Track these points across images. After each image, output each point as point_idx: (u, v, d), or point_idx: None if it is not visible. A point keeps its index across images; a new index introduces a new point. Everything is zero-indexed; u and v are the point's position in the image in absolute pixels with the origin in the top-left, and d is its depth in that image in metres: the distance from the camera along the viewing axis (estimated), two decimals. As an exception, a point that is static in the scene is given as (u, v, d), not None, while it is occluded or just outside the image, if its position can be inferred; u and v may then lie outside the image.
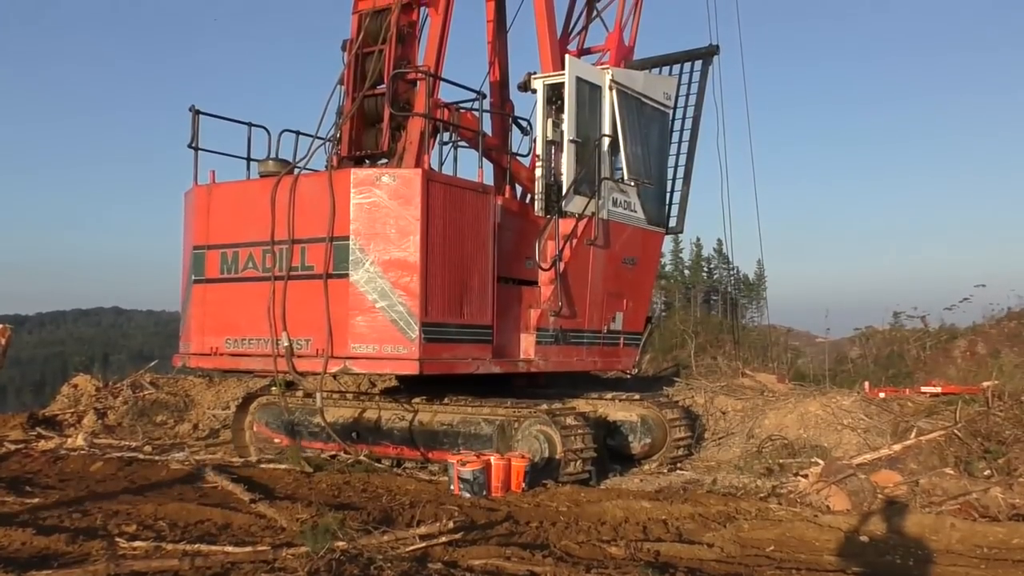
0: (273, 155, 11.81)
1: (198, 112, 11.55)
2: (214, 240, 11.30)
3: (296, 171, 11.12)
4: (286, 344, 10.48)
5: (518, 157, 13.47)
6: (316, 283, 10.36)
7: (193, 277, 11.54)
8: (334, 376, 11.47)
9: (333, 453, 11.71)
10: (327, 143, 12.08)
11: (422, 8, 12.39)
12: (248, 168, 12.00)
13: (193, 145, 11.54)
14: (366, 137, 12.16)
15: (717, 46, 15.51)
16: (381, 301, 10.12)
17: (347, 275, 10.22)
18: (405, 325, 10.08)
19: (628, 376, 15.06)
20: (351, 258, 10.23)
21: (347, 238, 10.25)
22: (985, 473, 10.06)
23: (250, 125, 12.02)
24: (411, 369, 10.12)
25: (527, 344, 11.78)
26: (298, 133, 12.27)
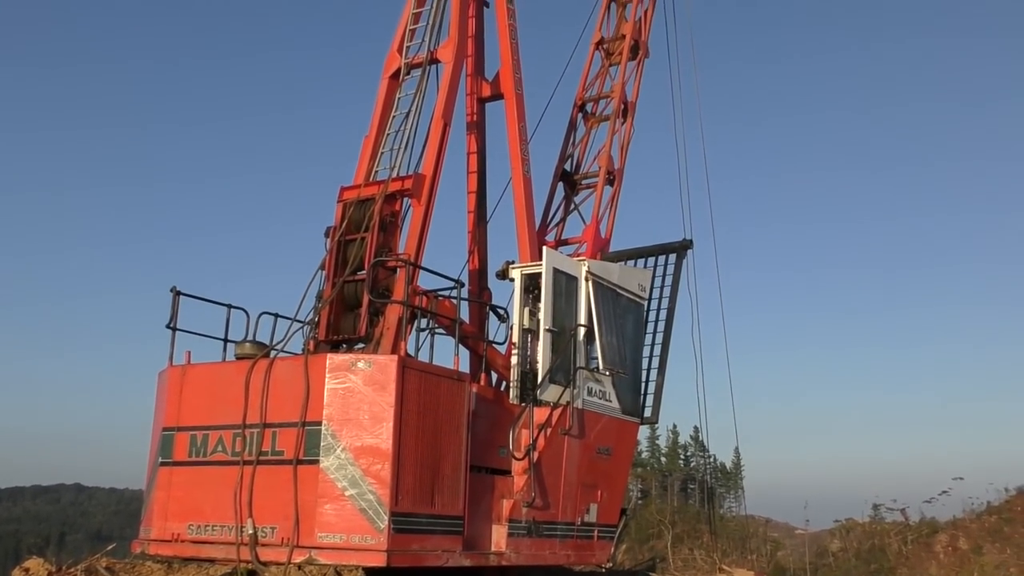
0: (251, 337, 11.86)
1: (179, 293, 11.65)
2: (185, 422, 11.15)
3: (272, 354, 11.13)
4: (251, 532, 10.17)
5: (494, 345, 13.58)
6: (285, 469, 10.16)
7: (160, 459, 11.31)
8: (299, 567, 11.07)
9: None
10: (305, 326, 12.15)
11: (405, 198, 12.76)
12: (225, 350, 12.01)
13: (171, 325, 11.57)
14: (344, 322, 12.25)
15: (691, 240, 16.04)
16: (351, 489, 9.91)
17: (317, 461, 10.05)
18: (374, 514, 9.83)
19: (603, 570, 14.64)
20: (323, 444, 10.09)
21: (320, 423, 10.15)
22: None
23: (229, 307, 12.12)
24: (378, 561, 9.80)
25: (499, 536, 11.50)
26: (277, 316, 12.38)
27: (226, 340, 12.02)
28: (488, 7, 15.39)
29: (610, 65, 17.22)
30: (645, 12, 17.80)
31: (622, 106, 16.76)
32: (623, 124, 16.82)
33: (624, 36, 17.18)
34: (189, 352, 11.56)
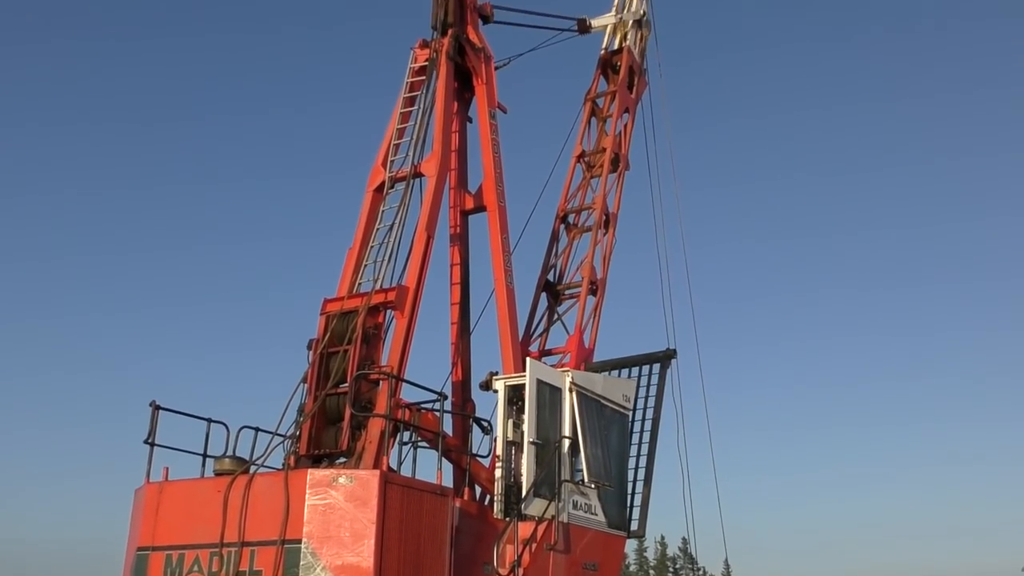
0: (231, 452, 11.65)
1: (158, 407, 11.49)
2: (160, 541, 10.84)
3: (252, 469, 10.93)
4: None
5: (478, 458, 13.39)
6: (263, 589, 9.87)
7: (133, 581, 10.96)
8: None
9: None
10: (286, 441, 11.98)
11: (388, 310, 12.76)
12: (204, 465, 11.78)
13: (149, 441, 11.37)
14: (326, 436, 12.09)
15: (674, 350, 16.03)
16: (330, 610, 9.61)
17: (297, 581, 9.77)
18: (355, 637, 9.51)
19: None
20: (302, 562, 9.83)
21: (299, 541, 9.91)
22: None
23: (209, 421, 11.94)
24: None
25: (484, 657, 11.12)
26: (257, 430, 12.19)
27: (205, 455, 11.82)
28: (471, 122, 15.75)
29: (591, 177, 17.52)
30: (625, 126, 18.23)
31: (604, 217, 16.99)
32: (605, 234, 17.03)
33: (605, 149, 17.54)
34: (167, 468, 11.34)
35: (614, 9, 18.76)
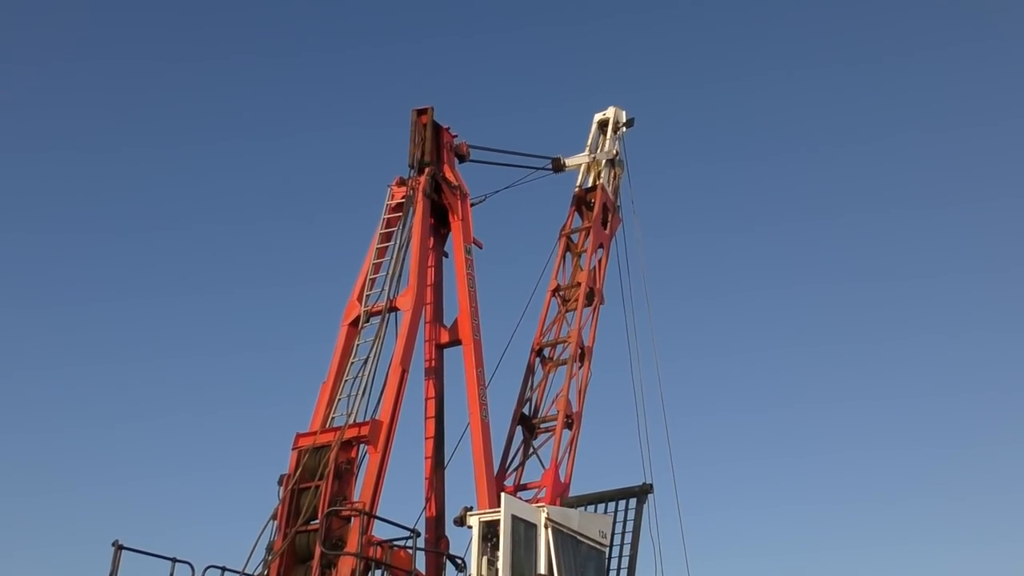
0: (195, 594, 11.32)
1: (121, 547, 11.21)
2: None
3: (217, 611, 10.61)
4: None
5: (451, 599, 13.08)
6: None
7: None
8: None
9: None
10: (253, 582, 11.66)
11: (361, 445, 12.66)
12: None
13: (112, 582, 11.05)
14: (295, 574, 11.79)
15: (651, 485, 15.90)
16: None
17: None
18: None
19: None
20: None
21: None
22: None
23: (174, 560, 11.61)
24: None
25: None
26: (224, 569, 11.86)
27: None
28: (447, 257, 15.99)
29: (567, 311, 17.70)
30: (599, 261, 18.54)
31: (579, 351, 17.09)
32: (580, 368, 17.08)
33: (579, 284, 17.78)
34: (130, 611, 11.00)
35: (587, 149, 19.33)
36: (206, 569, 11.67)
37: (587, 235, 18.48)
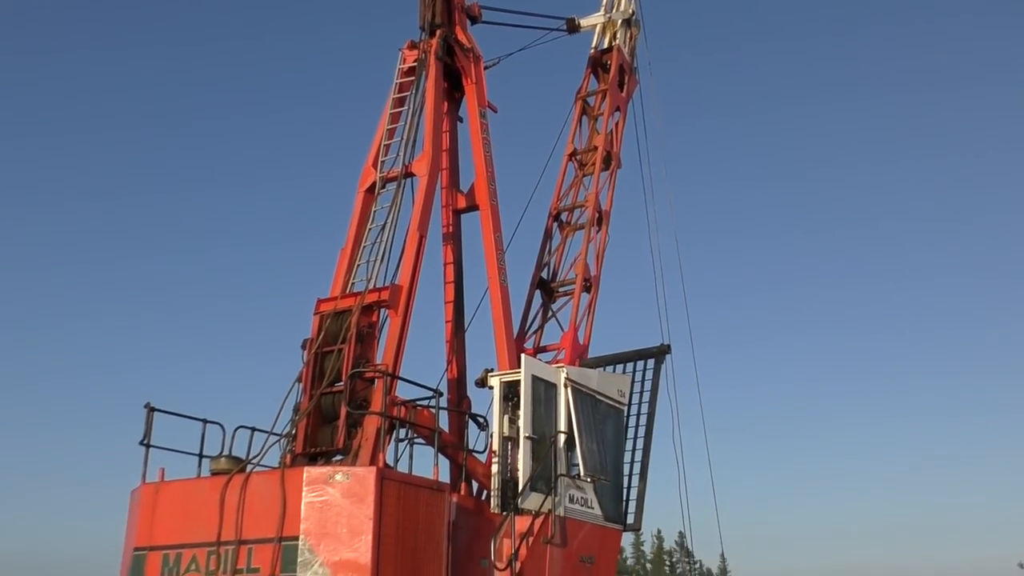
0: (227, 452, 11.70)
1: (153, 409, 11.53)
2: (157, 541, 10.88)
3: (248, 468, 10.99)
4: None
5: (474, 453, 13.46)
6: (262, 587, 9.92)
7: (132, 581, 11.00)
8: None
9: None
10: (282, 440, 12.02)
11: (382, 309, 12.82)
12: (200, 465, 11.83)
13: (145, 442, 11.42)
14: (322, 434, 12.15)
15: (669, 345, 16.08)
16: (329, 606, 9.67)
17: (294, 577, 9.83)
18: (353, 632, 9.57)
19: None
20: (300, 559, 9.88)
21: (296, 538, 9.95)
22: None
23: (205, 421, 11.98)
24: None
25: (480, 652, 11.19)
26: (253, 429, 12.23)
27: (201, 455, 11.86)
28: (462, 122, 15.80)
29: (584, 175, 17.60)
30: (616, 124, 18.31)
31: (597, 215, 17.07)
32: (598, 232, 17.10)
33: (596, 147, 17.62)
34: (163, 469, 11.39)
35: (603, 9, 18.84)
36: (236, 429, 12.03)
37: (603, 98, 18.19)
